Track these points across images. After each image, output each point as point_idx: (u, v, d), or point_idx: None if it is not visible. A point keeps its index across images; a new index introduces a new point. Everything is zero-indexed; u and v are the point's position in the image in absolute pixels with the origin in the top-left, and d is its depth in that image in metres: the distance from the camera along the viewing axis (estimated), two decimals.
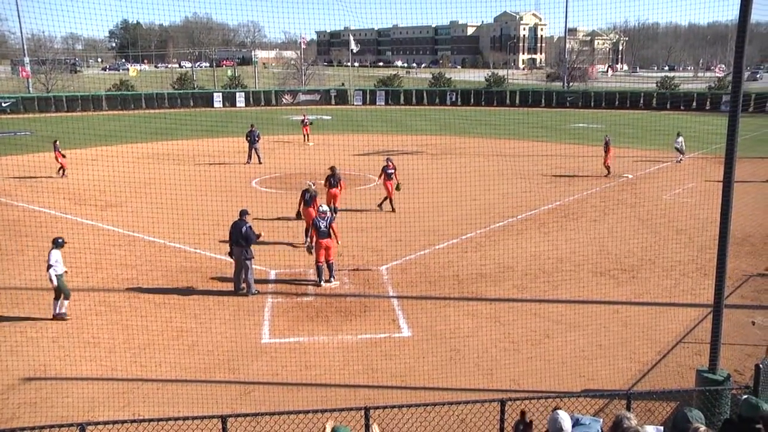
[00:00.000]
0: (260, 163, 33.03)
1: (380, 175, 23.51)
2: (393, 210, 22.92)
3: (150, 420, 7.55)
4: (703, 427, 5.52)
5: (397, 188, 22.98)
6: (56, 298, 13.87)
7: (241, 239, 14.91)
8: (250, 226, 15.06)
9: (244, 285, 15.15)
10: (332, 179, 21.40)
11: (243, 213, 15.25)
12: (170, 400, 10.47)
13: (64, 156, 29.73)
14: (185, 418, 7.68)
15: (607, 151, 30.06)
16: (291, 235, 19.50)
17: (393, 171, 23.20)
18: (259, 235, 15.08)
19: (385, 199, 23.33)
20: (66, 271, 14.23)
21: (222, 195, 23.70)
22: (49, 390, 10.95)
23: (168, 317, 13.87)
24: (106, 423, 7.54)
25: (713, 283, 8.60)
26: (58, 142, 29.93)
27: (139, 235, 20.11)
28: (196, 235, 18.96)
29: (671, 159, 33.84)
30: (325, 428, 6.17)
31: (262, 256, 16.57)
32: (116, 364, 11.86)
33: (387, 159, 23.58)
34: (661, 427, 6.32)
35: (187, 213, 19.00)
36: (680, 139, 33.54)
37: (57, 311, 13.83)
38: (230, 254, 15.34)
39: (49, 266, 13.65)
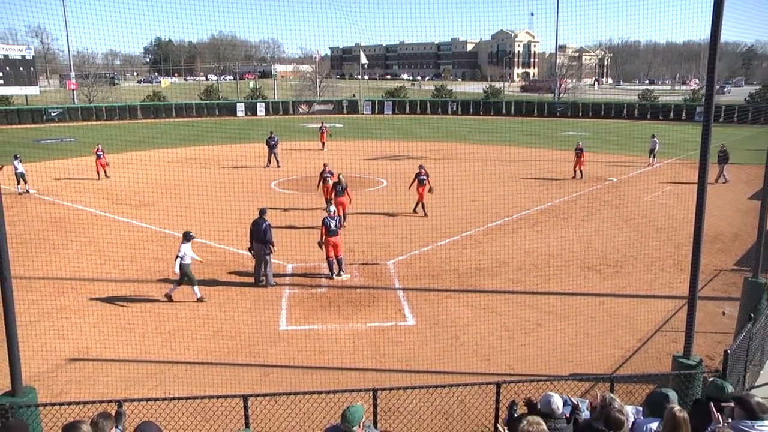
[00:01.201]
0: (278, 166, 33.06)
1: (413, 182, 22.40)
2: (425, 215, 22.08)
3: (179, 398, 7.61)
4: (677, 407, 5.55)
5: (430, 191, 22.05)
6: (178, 284, 14.29)
7: (260, 236, 14.89)
8: (269, 224, 15.04)
9: (263, 278, 15.16)
10: (338, 187, 20.60)
11: (262, 212, 15.28)
12: (197, 380, 10.53)
13: (99, 159, 29.72)
14: (211, 397, 7.76)
15: (579, 156, 30.01)
16: (307, 232, 19.53)
17: (425, 177, 22.05)
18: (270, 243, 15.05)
19: (418, 203, 22.37)
20: (200, 261, 15.09)
21: (244, 196, 23.74)
22: (91, 370, 11.04)
23: (195, 306, 13.94)
24: (140, 400, 7.57)
25: (688, 277, 8.56)
26: (100, 147, 30.01)
27: (169, 232, 20.16)
28: (220, 231, 19.01)
29: (651, 164, 33.67)
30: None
31: (279, 251, 16.60)
32: (149, 347, 11.94)
33: (420, 166, 22.47)
34: (641, 408, 6.34)
35: (212, 212, 19.07)
36: (655, 139, 33.85)
37: (170, 292, 14.36)
38: (250, 250, 15.29)
39: (177, 257, 14.05)
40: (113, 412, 6.44)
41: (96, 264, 16.94)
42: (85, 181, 28.82)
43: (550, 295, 14.69)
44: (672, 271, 16.30)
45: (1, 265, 7.32)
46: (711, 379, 6.55)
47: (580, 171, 30.11)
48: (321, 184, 22.71)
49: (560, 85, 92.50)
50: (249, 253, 15.55)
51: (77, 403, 7.39)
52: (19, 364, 7.61)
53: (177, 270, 14.05)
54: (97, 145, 30.14)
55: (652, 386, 9.56)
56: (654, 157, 34.00)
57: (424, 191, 22.11)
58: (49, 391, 9.99)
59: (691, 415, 5.65)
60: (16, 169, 25.85)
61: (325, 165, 23.05)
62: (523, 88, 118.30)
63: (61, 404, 7.36)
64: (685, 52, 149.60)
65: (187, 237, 14.28)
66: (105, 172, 29.76)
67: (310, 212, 22.20)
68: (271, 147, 33.60)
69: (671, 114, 65.28)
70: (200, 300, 14.20)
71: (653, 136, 34.13)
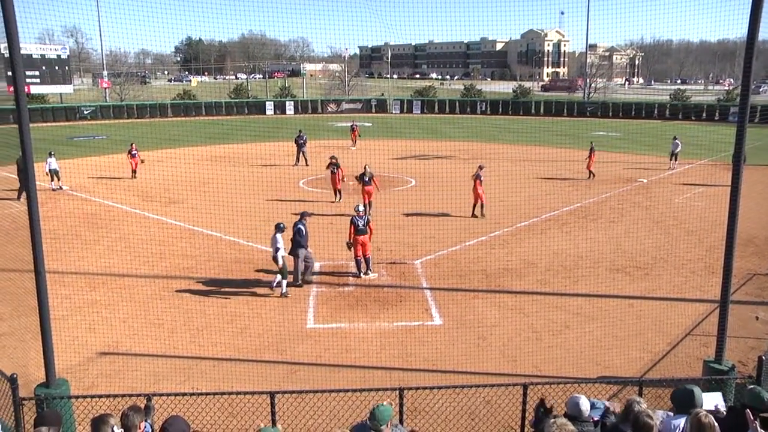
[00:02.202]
0: (307, 165, 33.21)
1: (475, 183, 21.93)
2: (483, 215, 21.91)
3: (207, 393, 7.71)
4: (702, 411, 5.46)
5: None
6: (282, 275, 14.56)
7: (299, 238, 14.87)
8: (303, 227, 15.02)
9: (301, 277, 15.12)
10: (365, 177, 21.84)
11: (303, 215, 15.30)
12: (224, 376, 10.62)
13: (134, 158, 30.00)
14: (238, 393, 7.83)
15: (590, 156, 29.76)
16: (335, 231, 19.60)
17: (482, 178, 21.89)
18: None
19: (476, 204, 22.11)
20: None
21: (272, 194, 23.95)
22: (121, 364, 11.21)
23: (223, 303, 14.07)
24: (169, 395, 7.68)
25: (720, 281, 8.43)
26: (134, 145, 30.36)
27: (198, 229, 20.40)
28: (248, 229, 19.15)
29: (671, 167, 32.81)
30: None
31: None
32: (177, 343, 12.07)
33: (479, 167, 22.30)
34: (670, 413, 6.24)
35: (240, 209, 19.25)
36: (677, 141, 32.93)
37: (275, 285, 14.71)
38: (291, 252, 14.94)
39: (277, 249, 14.36)
40: (142, 406, 6.55)
41: (126, 260, 17.20)
42: (116, 178, 29.25)
43: (579, 296, 14.54)
44: (703, 274, 16.03)
45: (36, 260, 7.48)
46: (750, 387, 6.40)
47: (590, 171, 29.92)
48: (331, 176, 24.54)
49: (581, 84, 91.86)
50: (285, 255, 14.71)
51: (107, 396, 7.52)
52: (53, 357, 7.77)
53: (280, 262, 14.34)
54: (131, 143, 30.62)
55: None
56: (675, 160, 33.18)
57: (482, 191, 21.91)
58: (80, 384, 10.17)
59: (724, 421, 5.55)
60: (50, 165, 26.33)
61: (331, 157, 24.31)
62: (544, 88, 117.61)
63: (92, 397, 7.50)
64: (719, 51, 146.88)
65: (280, 228, 14.61)
66: (134, 171, 30.02)
67: (338, 211, 22.29)
68: (300, 145, 33.80)
69: (704, 114, 64.19)
70: (284, 295, 14.43)
71: (675, 138, 33.26)
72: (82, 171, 27.36)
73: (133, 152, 29.75)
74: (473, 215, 22.06)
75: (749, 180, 27.25)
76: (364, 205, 19.17)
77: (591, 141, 31.58)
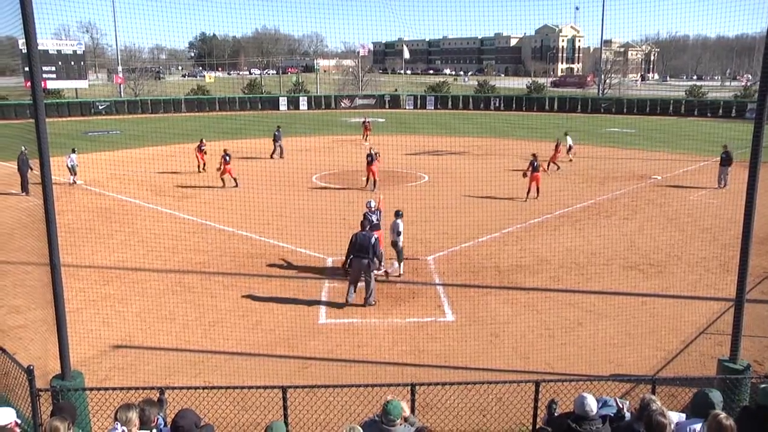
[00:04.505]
0: (282, 157, 34.69)
1: (527, 169, 24.20)
2: (537, 196, 23.94)
3: (219, 387, 7.77)
4: (722, 414, 5.41)
5: (524, 176, 24.32)
6: (400, 261, 15.31)
7: (366, 250, 13.43)
8: (377, 239, 13.96)
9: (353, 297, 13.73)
10: (369, 158, 25.45)
11: (368, 216, 14.50)
12: (236, 371, 10.69)
13: (202, 153, 30.20)
14: (250, 387, 7.87)
15: (556, 150, 30.69)
16: (347, 226, 19.62)
17: (539, 164, 24.21)
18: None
19: (530, 189, 24.04)
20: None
21: (285, 189, 24.02)
22: (134, 357, 11.31)
23: (235, 298, 14.15)
24: (181, 388, 7.74)
25: (735, 279, 8.37)
26: (203, 141, 30.77)
27: (211, 224, 20.50)
28: (261, 224, 19.24)
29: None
30: (387, 399, 6.17)
31: (318, 244, 16.76)
32: (190, 337, 12.16)
33: (533, 155, 24.33)
34: (683, 414, 6.19)
35: (253, 204, 19.31)
36: (568, 137, 34.07)
37: (390, 270, 15.35)
38: (348, 265, 13.60)
39: (399, 233, 15.11)
40: (155, 399, 6.62)
41: (139, 254, 17.33)
42: (129, 172, 29.42)
43: (591, 293, 14.49)
44: (718, 273, 15.90)
45: (51, 253, 7.56)
46: (764, 386, 6.36)
47: (555, 164, 30.55)
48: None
49: (591, 80, 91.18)
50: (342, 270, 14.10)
51: (121, 389, 7.59)
52: (68, 349, 7.86)
53: (401, 245, 15.06)
54: (201, 139, 31.01)
55: (695, 390, 9.38)
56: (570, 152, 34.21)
57: (539, 177, 23.96)
58: (94, 376, 10.27)
59: (739, 422, 5.51)
60: (72, 161, 26.57)
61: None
62: (554, 84, 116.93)
63: (106, 389, 7.58)
64: (737, 47, 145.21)
65: (399, 215, 15.29)
66: (202, 165, 29.93)
67: (350, 205, 22.30)
68: (276, 138, 35.44)
69: (720, 111, 63.56)
70: (397, 276, 15.14)
71: (566, 134, 34.64)
72: (97, 166, 27.52)
73: (202, 147, 30.14)
74: (526, 199, 23.86)
75: (766, 177, 26.99)
76: (366, 180, 24.55)
77: (566, 132, 33.99)
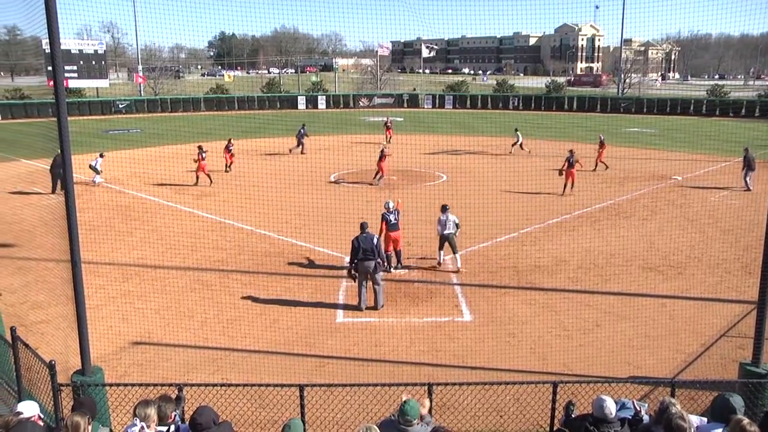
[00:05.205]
0: (302, 153, 35.71)
1: (564, 165, 25.18)
2: (571, 193, 24.85)
3: (237, 385, 7.81)
4: (746, 419, 5.33)
5: (560, 173, 25.28)
6: (455, 252, 15.88)
7: (370, 252, 13.24)
8: (380, 239, 14.02)
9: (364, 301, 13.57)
10: (381, 154, 27.25)
11: (365, 225, 13.68)
12: (254, 368, 10.74)
13: (230, 153, 30.39)
14: (267, 385, 7.91)
15: (601, 147, 30.54)
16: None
17: (575, 160, 25.24)
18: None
19: (567, 185, 25.06)
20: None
21: (303, 188, 24.11)
22: (153, 354, 11.41)
23: (253, 295, 14.22)
24: (199, 385, 7.80)
25: (758, 281, 8.27)
26: (231, 141, 30.96)
27: (230, 222, 20.62)
28: (279, 223, 19.33)
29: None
30: (402, 398, 6.19)
31: (336, 243, 16.78)
32: (208, 334, 12.25)
33: (570, 151, 25.42)
34: (704, 419, 6.11)
35: (272, 203, 19.41)
36: (518, 133, 36.78)
37: (459, 266, 15.92)
38: (354, 270, 13.43)
39: (457, 225, 15.81)
40: (173, 396, 6.68)
41: (159, 252, 17.48)
42: (149, 171, 29.67)
43: (610, 295, 14.39)
44: (739, 275, 15.71)
45: (72, 250, 7.65)
46: None
47: (603, 163, 30.61)
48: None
49: (605, 79, 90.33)
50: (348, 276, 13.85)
51: (140, 385, 7.66)
52: (88, 345, 7.95)
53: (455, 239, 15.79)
54: (229, 138, 31.17)
55: (716, 393, 9.27)
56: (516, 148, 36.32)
57: (574, 173, 25.14)
58: (114, 372, 10.39)
59: (762, 428, 5.43)
60: (97, 163, 26.68)
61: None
62: (569, 83, 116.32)
63: (125, 385, 7.66)
64: (762, 45, 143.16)
65: (446, 209, 15.88)
66: (228, 165, 30.08)
67: (368, 205, 22.31)
68: (300, 136, 36.52)
69: (743, 111, 62.77)
70: (457, 270, 15.67)
71: (516, 130, 37.09)
72: (117, 164, 27.81)
73: (230, 147, 30.30)
74: (563, 194, 24.81)
75: None
76: (375, 174, 26.90)
77: (516, 129, 36.48)
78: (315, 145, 37.31)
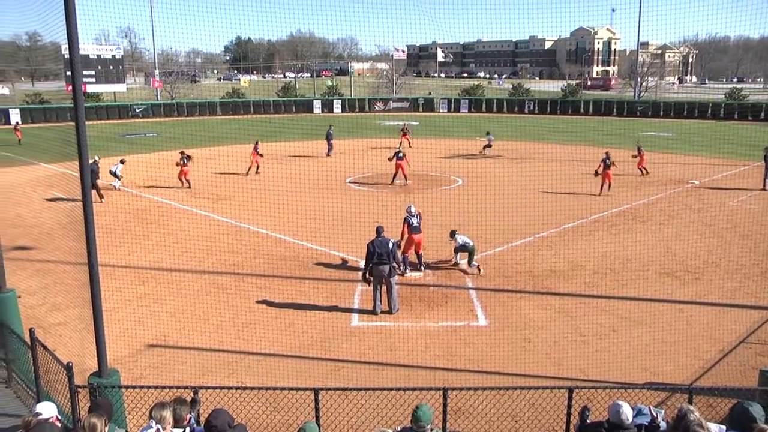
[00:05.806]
0: (328, 155, 36.68)
1: (599, 166, 25.87)
2: (608, 192, 25.50)
3: (252, 388, 7.83)
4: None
5: (596, 174, 26.01)
6: (471, 258, 16.21)
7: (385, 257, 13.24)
8: (396, 243, 13.92)
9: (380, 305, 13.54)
10: (399, 154, 27.88)
11: (381, 230, 13.73)
12: (269, 371, 10.77)
13: (261, 155, 30.66)
14: (282, 389, 7.94)
15: (640, 155, 30.11)
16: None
17: (611, 162, 25.73)
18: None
19: (603, 185, 25.68)
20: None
21: (319, 192, 24.18)
22: (168, 356, 11.48)
23: (269, 299, 14.26)
24: (215, 388, 7.84)
25: None
26: (259, 143, 31.14)
27: (245, 226, 20.71)
28: (295, 227, 19.39)
29: (738, 166, 31.95)
30: (417, 405, 6.17)
31: (352, 247, 16.80)
32: (223, 337, 12.30)
33: (606, 152, 26.26)
34: (724, 427, 6.03)
35: (287, 207, 19.49)
36: (490, 135, 37.05)
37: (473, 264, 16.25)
38: (369, 274, 13.38)
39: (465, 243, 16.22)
40: (188, 398, 6.72)
41: (174, 255, 17.59)
42: (165, 174, 29.89)
43: (626, 300, 14.28)
44: (759, 280, 15.53)
45: (89, 254, 7.72)
46: None
47: (645, 169, 30.28)
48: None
49: (614, 83, 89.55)
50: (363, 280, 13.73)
51: (156, 387, 7.71)
52: (105, 348, 8.01)
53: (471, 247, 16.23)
54: (257, 141, 31.38)
55: (735, 401, 9.16)
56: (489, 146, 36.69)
57: (611, 174, 25.66)
58: (130, 374, 10.46)
59: None
60: (117, 168, 26.80)
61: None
62: (579, 86, 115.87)
63: (141, 387, 7.71)
64: None
65: (454, 234, 16.28)
66: (255, 168, 30.33)
67: (384, 209, 22.33)
68: (329, 136, 37.83)
69: (762, 114, 62.09)
70: (477, 273, 15.96)
71: (488, 133, 37.41)
72: (134, 167, 28.03)
73: (258, 149, 30.51)
74: (600, 194, 25.42)
75: None
76: (394, 176, 27.47)
77: (487, 132, 37.30)
78: (333, 149, 37.41)
